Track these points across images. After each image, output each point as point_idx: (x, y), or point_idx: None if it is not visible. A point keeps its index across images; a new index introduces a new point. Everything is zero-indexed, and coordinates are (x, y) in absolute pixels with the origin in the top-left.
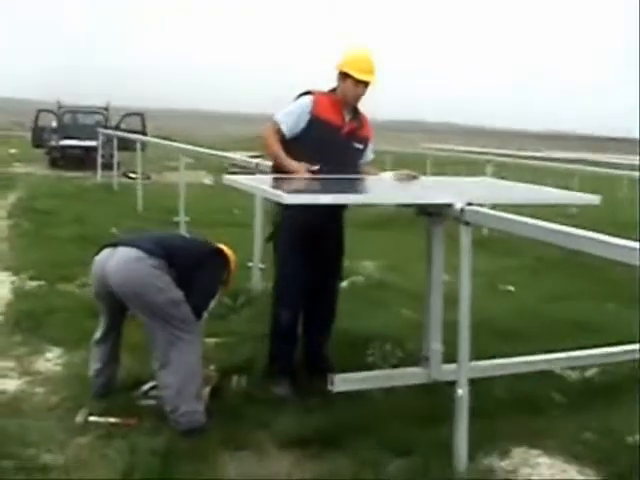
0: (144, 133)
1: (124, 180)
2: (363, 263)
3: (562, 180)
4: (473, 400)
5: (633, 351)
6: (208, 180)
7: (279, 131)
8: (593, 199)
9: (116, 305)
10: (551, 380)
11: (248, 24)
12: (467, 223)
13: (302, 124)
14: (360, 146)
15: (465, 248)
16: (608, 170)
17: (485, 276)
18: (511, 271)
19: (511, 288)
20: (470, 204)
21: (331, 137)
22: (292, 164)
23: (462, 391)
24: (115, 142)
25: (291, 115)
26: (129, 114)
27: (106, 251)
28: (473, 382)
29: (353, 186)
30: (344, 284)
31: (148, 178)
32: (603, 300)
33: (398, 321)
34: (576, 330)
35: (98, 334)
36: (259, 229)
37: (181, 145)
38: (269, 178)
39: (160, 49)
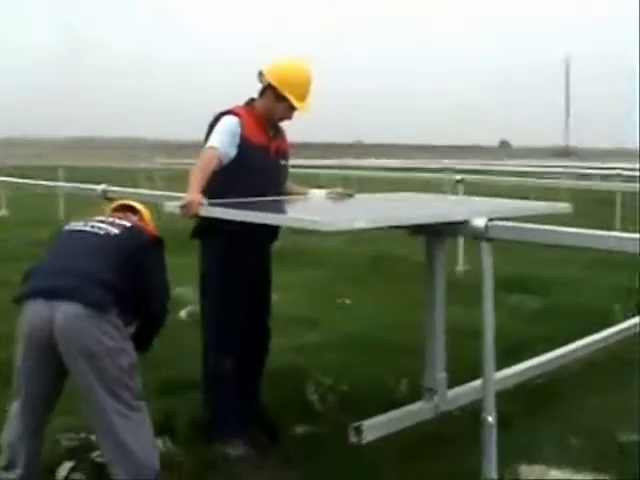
0: None
1: None
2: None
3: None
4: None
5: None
6: None
7: (216, 157)
8: (566, 207)
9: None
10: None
11: None
12: (489, 239)
13: (234, 150)
14: (285, 162)
15: (487, 266)
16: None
17: (305, 289)
18: (326, 282)
19: (347, 300)
20: (491, 219)
21: (262, 160)
22: (191, 192)
23: (492, 418)
24: None
25: (225, 139)
26: None
27: (39, 305)
28: None
29: (340, 207)
30: (183, 315)
31: None
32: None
33: (286, 350)
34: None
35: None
36: None
37: None
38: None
39: None
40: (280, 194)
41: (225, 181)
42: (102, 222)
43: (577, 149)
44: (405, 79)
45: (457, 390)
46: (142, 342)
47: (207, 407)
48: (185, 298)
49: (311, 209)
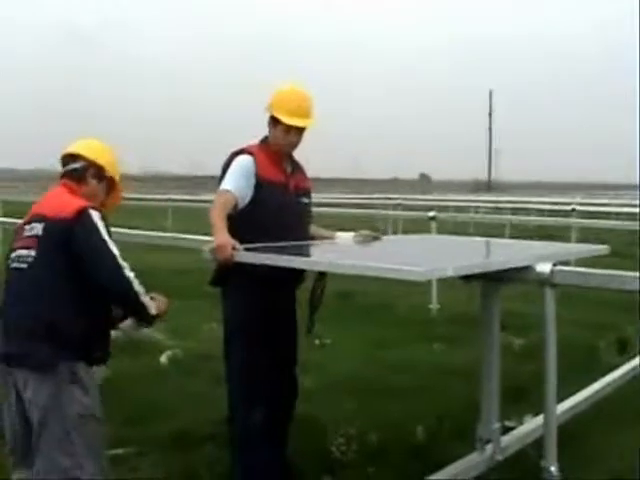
0: None
1: None
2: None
3: None
4: None
5: None
6: None
7: (232, 201)
8: (604, 248)
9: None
10: None
11: None
12: (554, 285)
13: (251, 191)
14: (307, 200)
15: (551, 312)
16: None
17: None
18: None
19: (327, 340)
20: (555, 264)
21: (281, 199)
22: (219, 235)
23: (554, 468)
24: None
25: (240, 182)
26: None
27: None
28: None
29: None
30: (164, 360)
31: None
32: (419, 341)
33: None
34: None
35: None
36: None
37: None
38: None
39: None
40: (304, 235)
41: (242, 224)
42: (21, 247)
43: (497, 182)
44: None
45: (508, 438)
46: (134, 315)
47: (236, 463)
48: (163, 344)
49: (380, 255)
